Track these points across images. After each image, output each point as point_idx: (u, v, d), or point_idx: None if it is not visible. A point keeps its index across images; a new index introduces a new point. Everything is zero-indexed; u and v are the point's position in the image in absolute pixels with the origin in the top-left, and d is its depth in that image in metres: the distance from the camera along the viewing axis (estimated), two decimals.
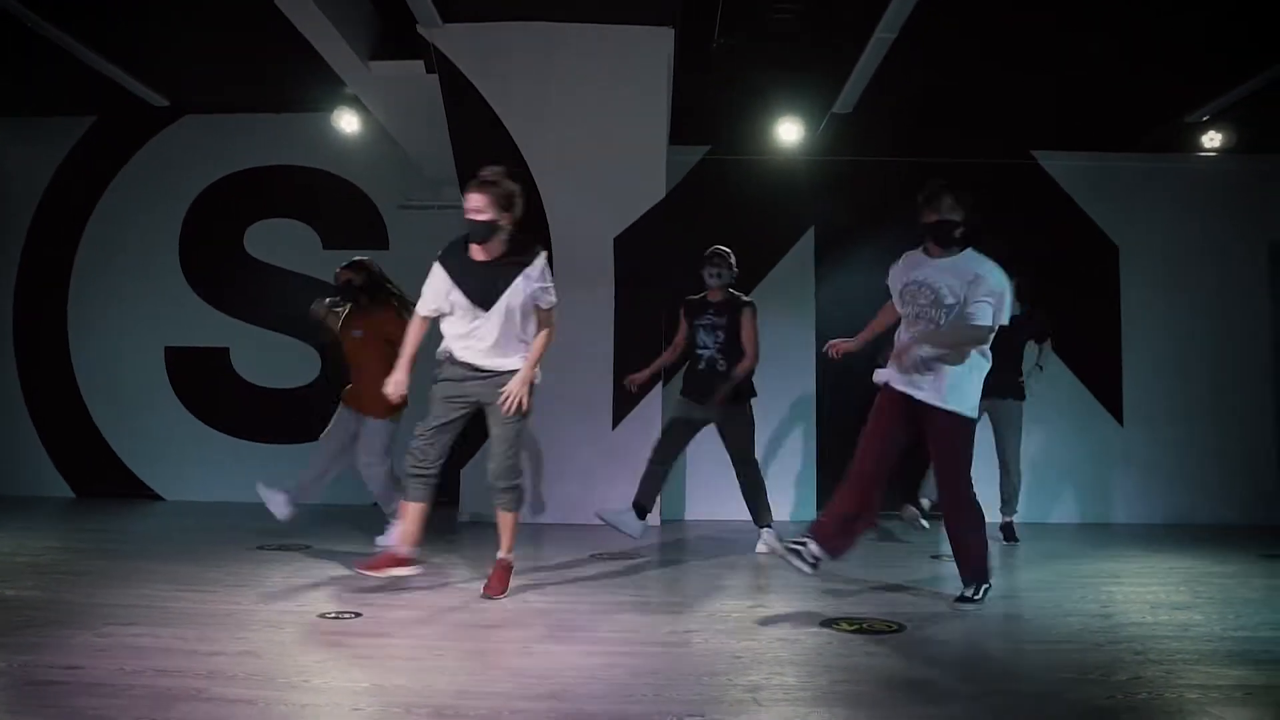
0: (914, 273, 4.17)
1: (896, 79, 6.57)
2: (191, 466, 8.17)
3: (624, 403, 6.94)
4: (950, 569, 4.37)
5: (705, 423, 5.70)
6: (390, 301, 5.49)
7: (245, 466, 7.56)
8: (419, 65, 6.07)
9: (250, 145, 8.36)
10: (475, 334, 4.10)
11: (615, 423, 6.95)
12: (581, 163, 6.58)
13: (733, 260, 5.74)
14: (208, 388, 8.33)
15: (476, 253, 4.11)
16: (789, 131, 7.48)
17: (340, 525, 6.40)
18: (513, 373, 4.10)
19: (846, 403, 6.95)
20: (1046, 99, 7.31)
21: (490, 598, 4.15)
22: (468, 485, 6.94)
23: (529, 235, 4.20)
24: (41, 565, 4.90)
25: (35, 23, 6.02)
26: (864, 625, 3.72)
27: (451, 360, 4.16)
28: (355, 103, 7.82)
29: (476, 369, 4.13)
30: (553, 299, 4.19)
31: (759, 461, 5.82)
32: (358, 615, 3.79)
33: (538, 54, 5.93)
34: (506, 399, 4.05)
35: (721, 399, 5.50)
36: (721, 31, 6.40)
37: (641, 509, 5.60)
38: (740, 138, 7.69)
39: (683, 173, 7.71)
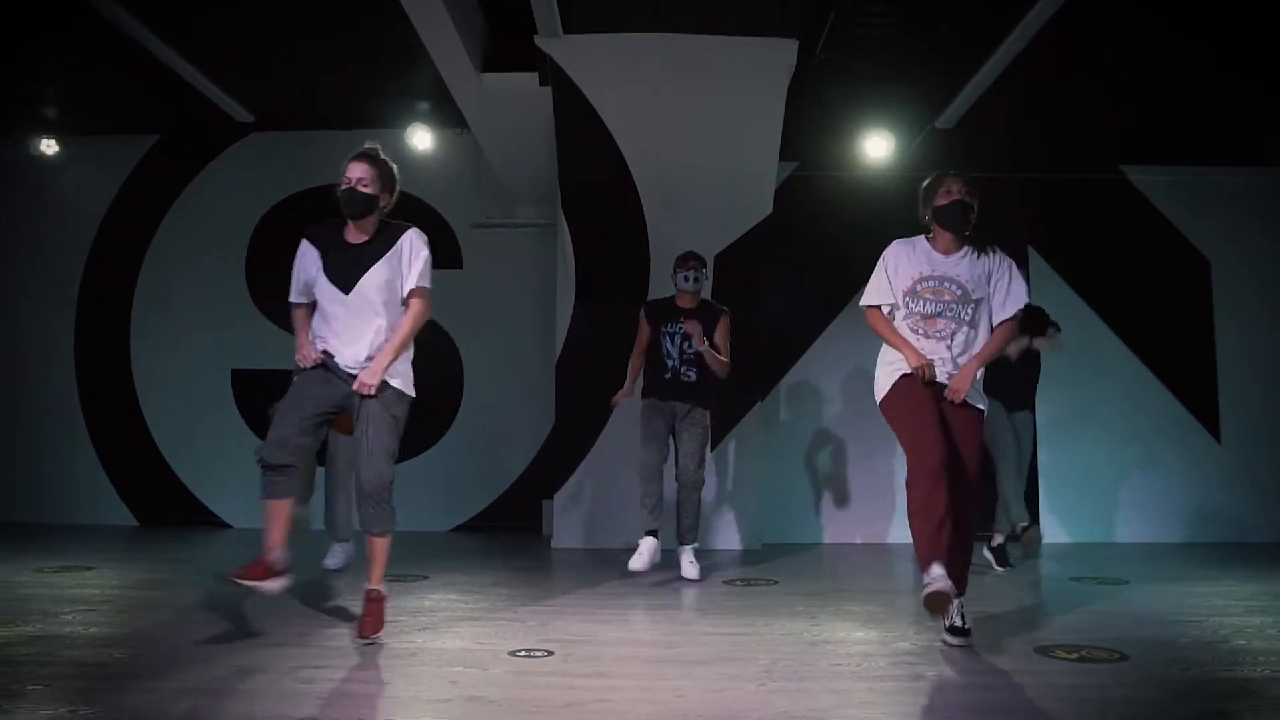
0: (924, 266, 3.88)
1: (1005, 93, 6.47)
2: (260, 493, 7.88)
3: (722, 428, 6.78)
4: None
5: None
6: None
7: (316, 493, 7.28)
8: (532, 78, 5.90)
9: (318, 162, 8.04)
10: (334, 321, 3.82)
11: (714, 444, 6.77)
12: (689, 177, 6.40)
13: (708, 265, 5.61)
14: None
15: (351, 232, 3.84)
16: (878, 147, 7.36)
17: (427, 550, 6.18)
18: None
19: None
20: (1135, 113, 7.22)
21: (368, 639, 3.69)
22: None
23: (402, 221, 3.87)
24: (152, 601, 4.66)
25: (135, 29, 5.82)
26: (1083, 654, 3.56)
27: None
28: (429, 119, 7.66)
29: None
30: (418, 283, 3.80)
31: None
32: (549, 653, 3.59)
33: (656, 66, 5.75)
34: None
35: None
36: (825, 46, 6.25)
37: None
38: (828, 154, 7.55)
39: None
